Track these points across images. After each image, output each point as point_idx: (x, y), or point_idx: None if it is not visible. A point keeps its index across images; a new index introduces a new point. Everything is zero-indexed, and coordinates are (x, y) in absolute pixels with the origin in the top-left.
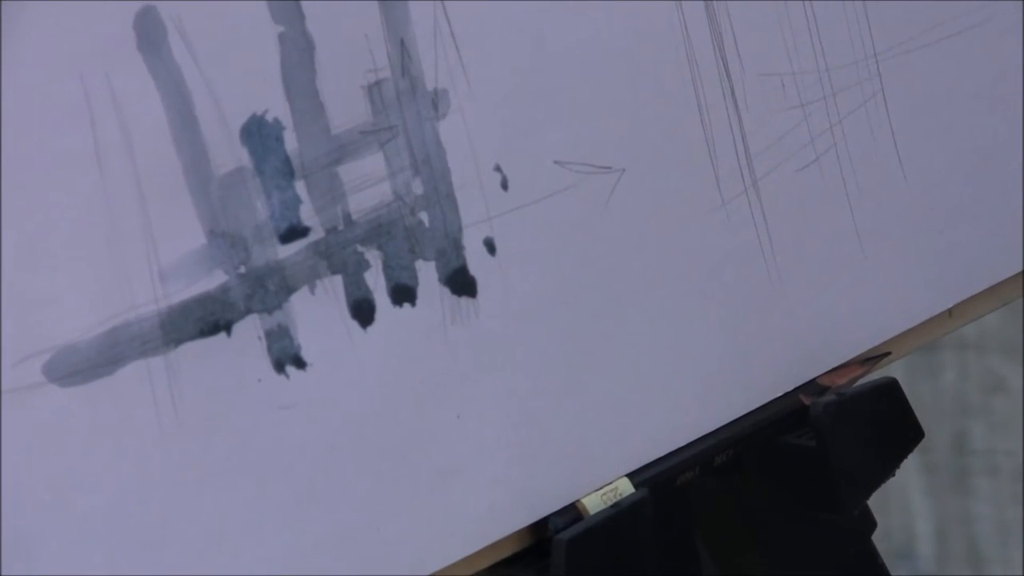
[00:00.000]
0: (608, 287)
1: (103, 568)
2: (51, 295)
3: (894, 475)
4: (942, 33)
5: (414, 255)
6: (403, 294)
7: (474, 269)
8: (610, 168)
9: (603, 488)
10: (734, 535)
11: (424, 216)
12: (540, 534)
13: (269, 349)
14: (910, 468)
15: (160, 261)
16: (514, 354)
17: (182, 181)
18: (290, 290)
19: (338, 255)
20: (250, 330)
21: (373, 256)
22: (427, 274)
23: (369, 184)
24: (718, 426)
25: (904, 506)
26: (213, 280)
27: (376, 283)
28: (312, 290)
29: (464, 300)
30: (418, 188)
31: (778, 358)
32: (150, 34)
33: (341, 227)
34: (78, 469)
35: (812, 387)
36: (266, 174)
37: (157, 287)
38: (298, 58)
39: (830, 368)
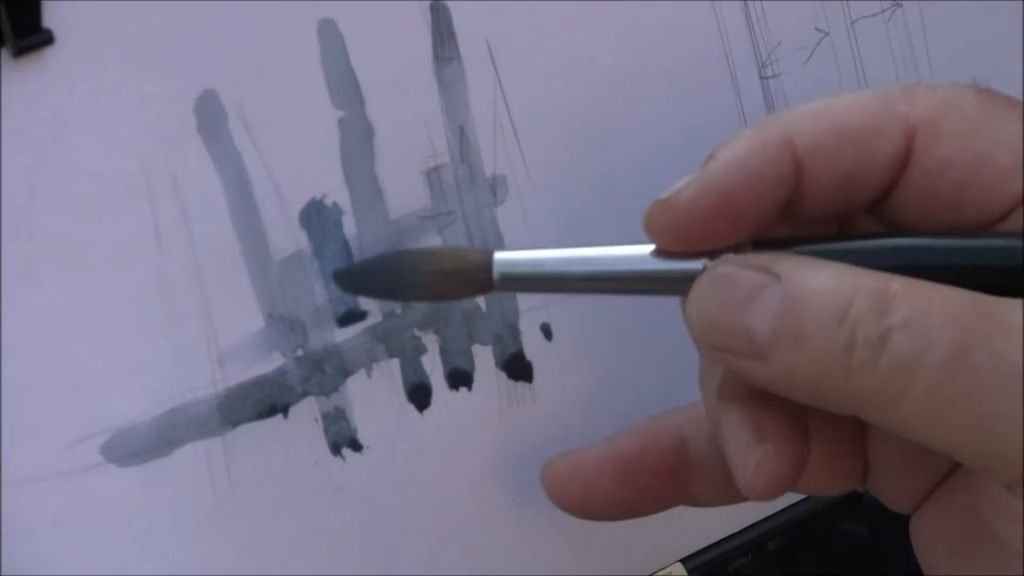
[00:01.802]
0: (664, 373)
1: None
2: (110, 376)
3: None
4: None
5: (471, 340)
6: (460, 378)
7: (531, 354)
8: None
9: (657, 573)
10: None
11: (481, 301)
12: None
13: (326, 431)
14: None
15: (219, 343)
16: (570, 439)
17: (241, 264)
18: (347, 373)
19: (395, 339)
20: (307, 412)
21: (430, 340)
22: (484, 359)
23: None
24: (772, 512)
25: None
26: (271, 363)
27: (433, 367)
28: (369, 373)
29: (520, 385)
30: None
31: None
32: (210, 118)
33: (399, 311)
34: (134, 548)
35: None
36: (325, 258)
37: (215, 369)
38: (358, 143)
39: None
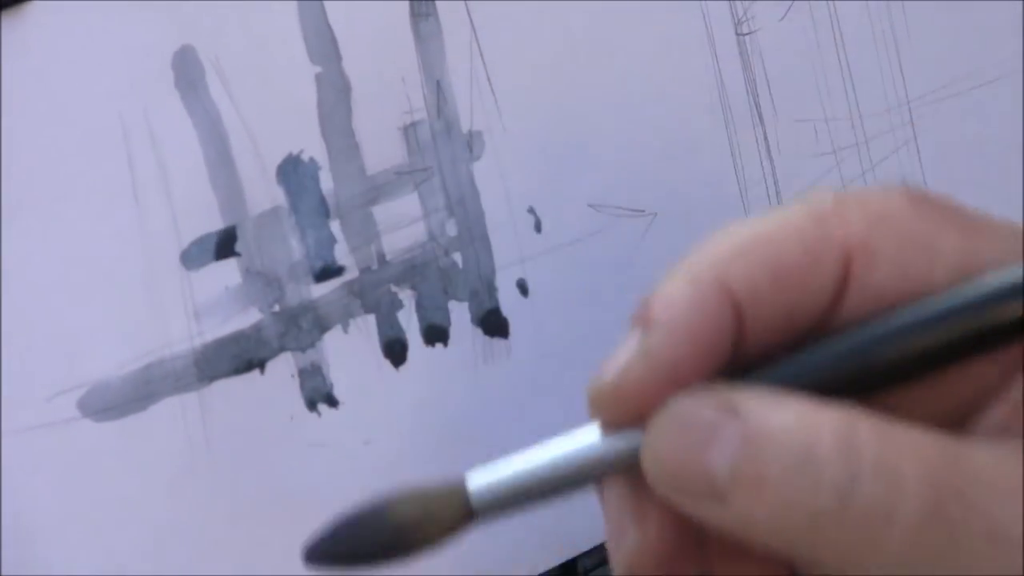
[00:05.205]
0: None
1: None
2: (87, 331)
3: None
4: (974, 82)
5: (447, 295)
6: (436, 334)
7: (507, 310)
8: (643, 211)
9: None
10: None
11: (458, 257)
12: (569, 574)
13: (302, 387)
14: None
15: (195, 298)
16: (545, 395)
17: (218, 219)
18: (323, 329)
19: (372, 294)
20: (283, 368)
21: (406, 296)
22: (460, 315)
23: (404, 224)
24: None
25: None
26: (248, 318)
27: (409, 323)
28: (345, 329)
29: (496, 341)
30: (452, 229)
31: None
32: (188, 73)
33: (375, 267)
34: (111, 502)
35: None
36: (301, 213)
37: (192, 324)
38: (335, 99)
39: None
